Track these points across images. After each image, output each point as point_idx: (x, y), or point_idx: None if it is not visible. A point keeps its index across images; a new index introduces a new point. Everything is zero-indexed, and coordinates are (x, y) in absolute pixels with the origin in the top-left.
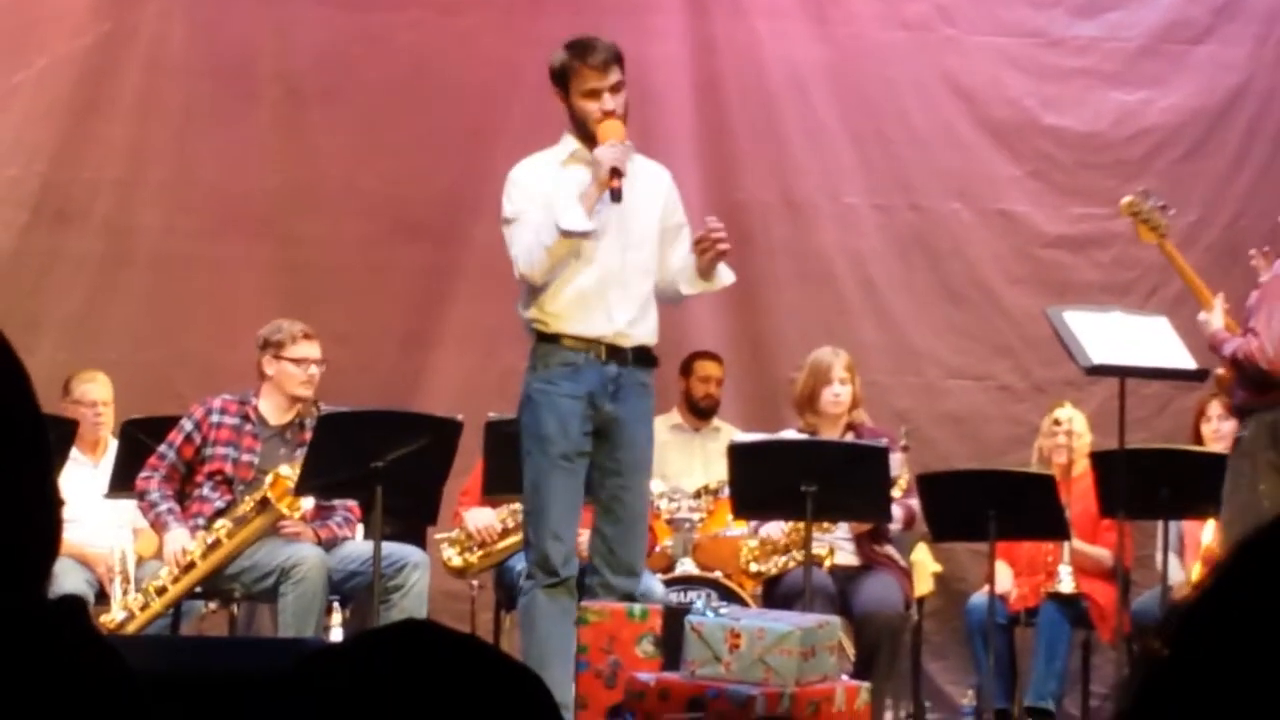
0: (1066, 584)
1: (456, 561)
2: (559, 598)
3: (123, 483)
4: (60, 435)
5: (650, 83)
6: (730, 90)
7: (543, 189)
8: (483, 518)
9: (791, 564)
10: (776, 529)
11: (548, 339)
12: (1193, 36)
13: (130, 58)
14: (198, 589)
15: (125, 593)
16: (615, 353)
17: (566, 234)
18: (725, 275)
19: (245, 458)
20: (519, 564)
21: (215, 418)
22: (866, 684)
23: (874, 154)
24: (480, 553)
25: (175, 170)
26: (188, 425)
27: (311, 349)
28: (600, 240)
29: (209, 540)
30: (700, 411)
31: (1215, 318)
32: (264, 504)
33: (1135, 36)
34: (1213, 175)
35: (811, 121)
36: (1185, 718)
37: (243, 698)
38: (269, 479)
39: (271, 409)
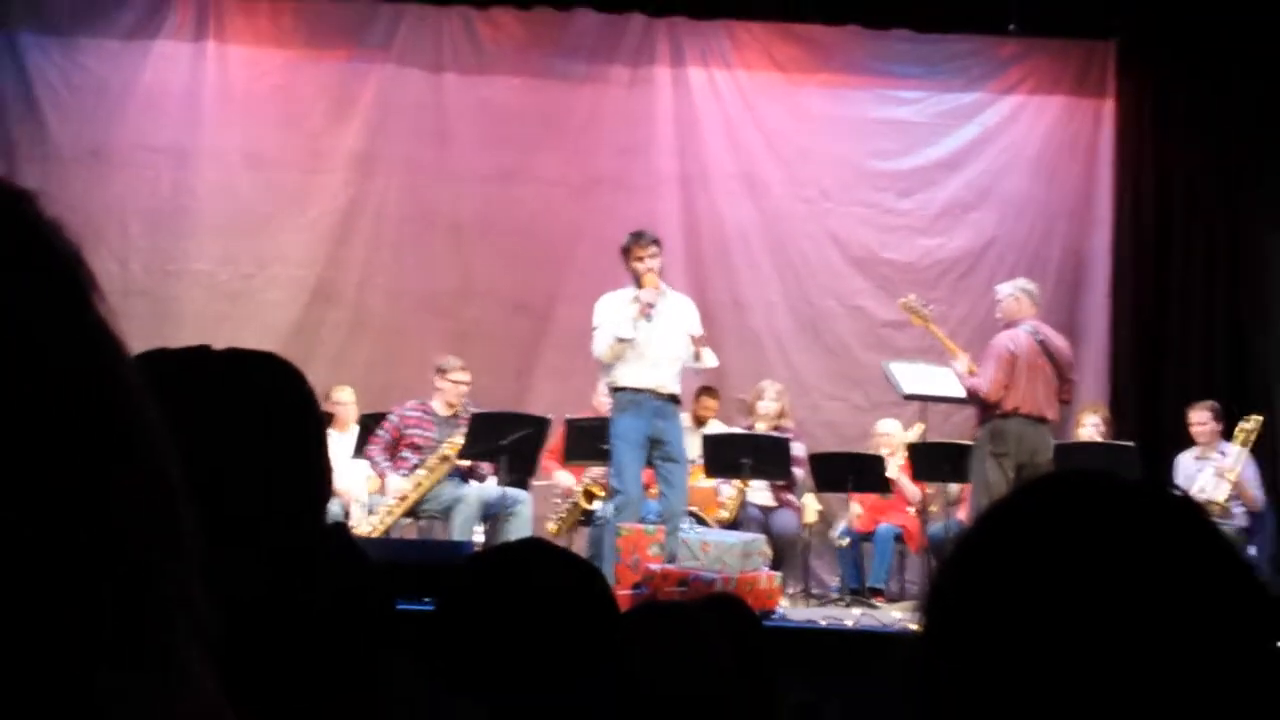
0: (891, 518)
1: (551, 527)
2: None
3: (360, 450)
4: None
5: (662, 234)
6: (703, 236)
7: (612, 312)
8: (561, 478)
9: (735, 505)
10: (727, 485)
11: (618, 389)
12: (965, 208)
13: (366, 209)
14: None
15: (365, 514)
16: (660, 395)
17: (620, 339)
18: (709, 359)
19: (427, 434)
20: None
21: (408, 412)
22: (779, 573)
23: (786, 274)
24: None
25: (392, 276)
26: (394, 417)
27: (463, 375)
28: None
29: (414, 481)
30: (699, 420)
31: (960, 365)
32: (445, 459)
33: (934, 208)
34: (975, 289)
35: (749, 254)
36: (948, 660)
37: (430, 577)
38: (445, 446)
39: (440, 407)
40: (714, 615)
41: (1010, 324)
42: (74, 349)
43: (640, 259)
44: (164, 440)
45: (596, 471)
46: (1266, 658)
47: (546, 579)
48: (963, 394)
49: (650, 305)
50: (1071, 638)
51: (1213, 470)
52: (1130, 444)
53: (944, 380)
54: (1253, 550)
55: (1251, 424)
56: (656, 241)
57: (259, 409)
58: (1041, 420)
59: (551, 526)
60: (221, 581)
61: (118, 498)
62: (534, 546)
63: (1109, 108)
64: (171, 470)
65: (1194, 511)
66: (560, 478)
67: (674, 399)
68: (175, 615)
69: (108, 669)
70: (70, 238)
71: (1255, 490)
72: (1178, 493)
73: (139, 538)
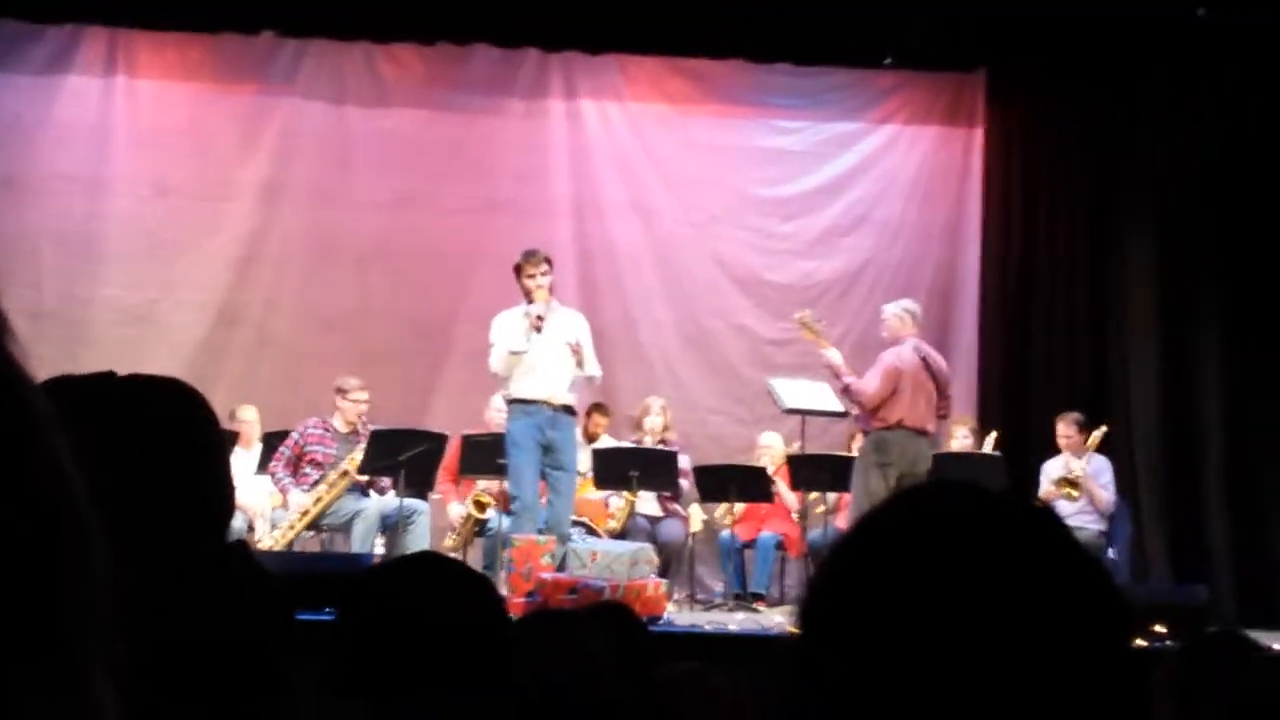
0: (772, 526)
1: (449, 544)
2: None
3: (263, 466)
4: (227, 441)
5: (556, 257)
6: (596, 259)
7: (506, 328)
8: (454, 510)
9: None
10: (616, 497)
11: (512, 400)
12: (843, 232)
13: (271, 235)
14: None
15: (268, 528)
16: (552, 405)
17: (512, 352)
18: (590, 368)
19: (328, 450)
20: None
21: (310, 430)
22: (665, 580)
23: (674, 295)
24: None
25: (295, 299)
26: (295, 435)
27: (362, 394)
28: (535, 350)
29: (314, 497)
30: (590, 436)
31: (835, 356)
32: (345, 475)
33: (813, 232)
34: (852, 308)
35: (639, 276)
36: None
37: (331, 588)
38: (345, 462)
39: (340, 425)
40: (600, 621)
41: (895, 341)
42: None
43: (531, 276)
44: (72, 470)
45: (484, 483)
46: (1119, 658)
47: (439, 591)
48: (839, 408)
49: (540, 318)
50: (935, 636)
51: (1060, 467)
52: (997, 454)
53: (822, 395)
54: (1111, 553)
55: (1099, 432)
56: (548, 260)
57: (156, 433)
58: (923, 433)
59: (449, 541)
60: (119, 603)
61: (30, 531)
62: (427, 560)
63: (979, 135)
64: (80, 499)
65: (1051, 520)
66: (454, 510)
67: (567, 409)
68: (84, 642)
69: (13, 699)
70: None
71: (1103, 491)
72: (1036, 503)
73: (52, 571)
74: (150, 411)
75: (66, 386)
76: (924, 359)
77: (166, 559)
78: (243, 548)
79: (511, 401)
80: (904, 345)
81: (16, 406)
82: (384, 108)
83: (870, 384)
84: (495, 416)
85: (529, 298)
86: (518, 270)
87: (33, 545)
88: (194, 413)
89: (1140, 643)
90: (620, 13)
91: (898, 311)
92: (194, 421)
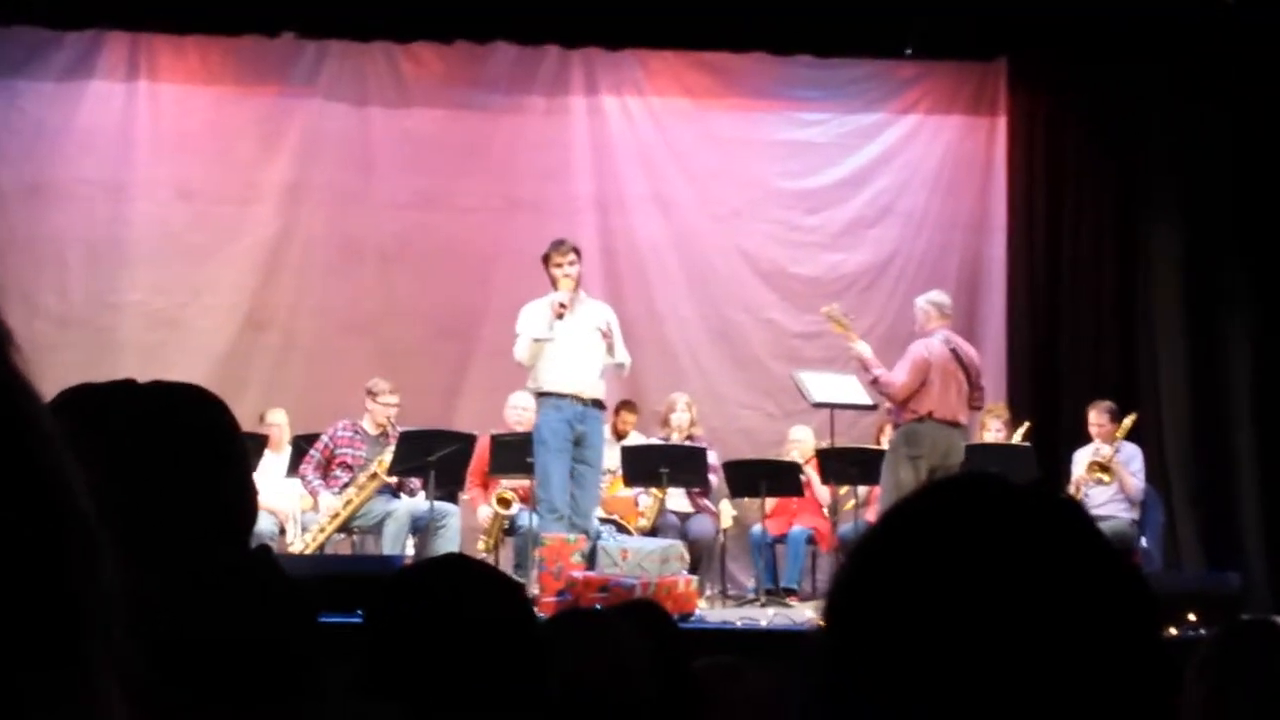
0: (803, 520)
1: (481, 546)
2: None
3: (293, 469)
4: (255, 446)
5: (584, 250)
6: (620, 255)
7: (531, 317)
8: (483, 512)
9: (654, 513)
10: (645, 494)
11: (542, 394)
12: (867, 224)
13: (294, 237)
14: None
15: (299, 531)
16: (582, 399)
17: (536, 340)
18: (621, 355)
19: (358, 453)
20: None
21: (339, 432)
22: (695, 577)
23: (699, 289)
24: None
25: (320, 301)
26: (325, 437)
27: (392, 397)
28: (565, 341)
29: (344, 499)
30: (619, 434)
31: (865, 349)
32: (374, 476)
33: (838, 224)
34: (879, 301)
35: (664, 272)
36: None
37: (362, 590)
38: (375, 464)
39: (370, 427)
40: (632, 620)
41: (924, 333)
42: None
43: (559, 265)
44: (79, 484)
45: (507, 480)
46: (1146, 650)
47: (468, 593)
48: (868, 401)
49: (563, 305)
50: (961, 629)
51: (1092, 455)
52: (1028, 444)
53: (850, 388)
54: (1144, 542)
55: (1129, 419)
56: (575, 250)
57: (176, 440)
58: (954, 424)
59: (481, 545)
60: (137, 611)
61: (33, 541)
62: (455, 562)
63: (1002, 124)
64: (87, 513)
65: (1077, 513)
66: (483, 512)
67: (597, 404)
68: (91, 651)
69: (19, 708)
70: None
71: (1133, 478)
72: (1063, 496)
73: (56, 580)
74: (170, 419)
75: (87, 395)
76: (954, 350)
77: (187, 566)
78: (266, 553)
79: (541, 395)
80: (933, 337)
81: (18, 417)
82: (405, 108)
83: (899, 376)
84: (513, 414)
85: (555, 286)
86: (546, 260)
87: (36, 554)
88: (215, 420)
89: (1172, 631)
90: (640, 7)
91: (923, 304)
92: (215, 429)
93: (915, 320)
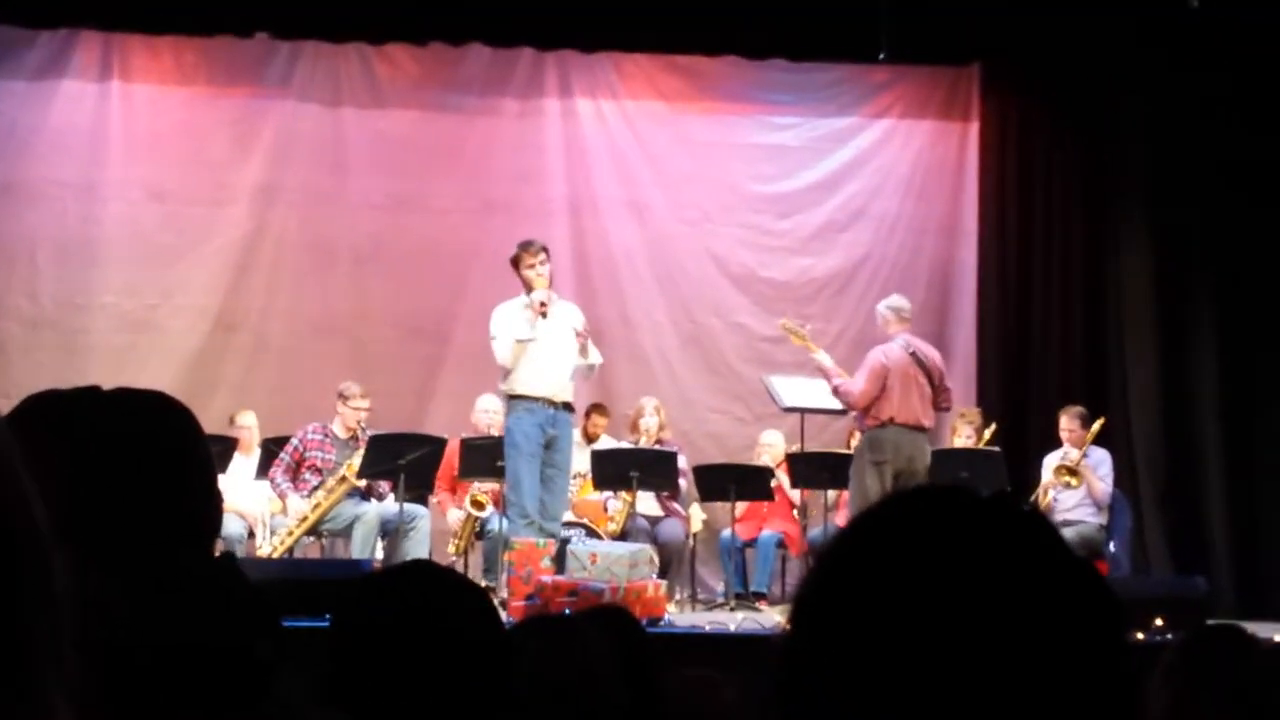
0: (773, 525)
1: (451, 550)
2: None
3: (263, 471)
4: (225, 448)
5: (552, 257)
6: (592, 258)
7: (508, 319)
8: (453, 516)
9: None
10: (615, 499)
11: (514, 396)
12: (839, 228)
13: (266, 238)
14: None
15: (268, 534)
16: (554, 403)
17: (519, 341)
18: (594, 356)
19: (327, 456)
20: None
21: (309, 435)
22: (664, 581)
23: (670, 293)
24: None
25: (292, 302)
26: (295, 440)
27: (363, 401)
28: (539, 344)
29: (313, 503)
30: (590, 437)
31: (825, 359)
32: (343, 480)
33: (809, 228)
34: (849, 305)
35: (636, 275)
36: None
37: (330, 594)
38: (345, 468)
39: (340, 430)
40: (599, 625)
41: (884, 339)
42: None
43: (531, 265)
44: (34, 499)
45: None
46: (1108, 658)
47: (435, 601)
48: (838, 405)
49: (544, 304)
50: (924, 639)
51: (1060, 459)
52: (997, 449)
53: (820, 392)
54: (1112, 546)
55: (1097, 425)
56: (545, 249)
57: (140, 448)
58: (918, 428)
59: (450, 548)
60: (96, 619)
61: None
62: (422, 569)
63: (974, 129)
64: (40, 528)
65: (1041, 523)
66: (452, 515)
67: (567, 407)
68: (41, 665)
69: None
70: None
71: (1100, 482)
72: (1027, 506)
73: (8, 601)
74: (135, 427)
75: (50, 402)
76: (913, 354)
77: (150, 572)
78: (229, 559)
79: (513, 398)
80: (893, 342)
81: None
82: (379, 109)
83: (857, 384)
84: (482, 418)
85: (529, 287)
86: (515, 262)
87: None
88: (179, 427)
89: (1139, 636)
90: (614, 11)
91: (883, 310)
92: (179, 436)
93: (878, 326)
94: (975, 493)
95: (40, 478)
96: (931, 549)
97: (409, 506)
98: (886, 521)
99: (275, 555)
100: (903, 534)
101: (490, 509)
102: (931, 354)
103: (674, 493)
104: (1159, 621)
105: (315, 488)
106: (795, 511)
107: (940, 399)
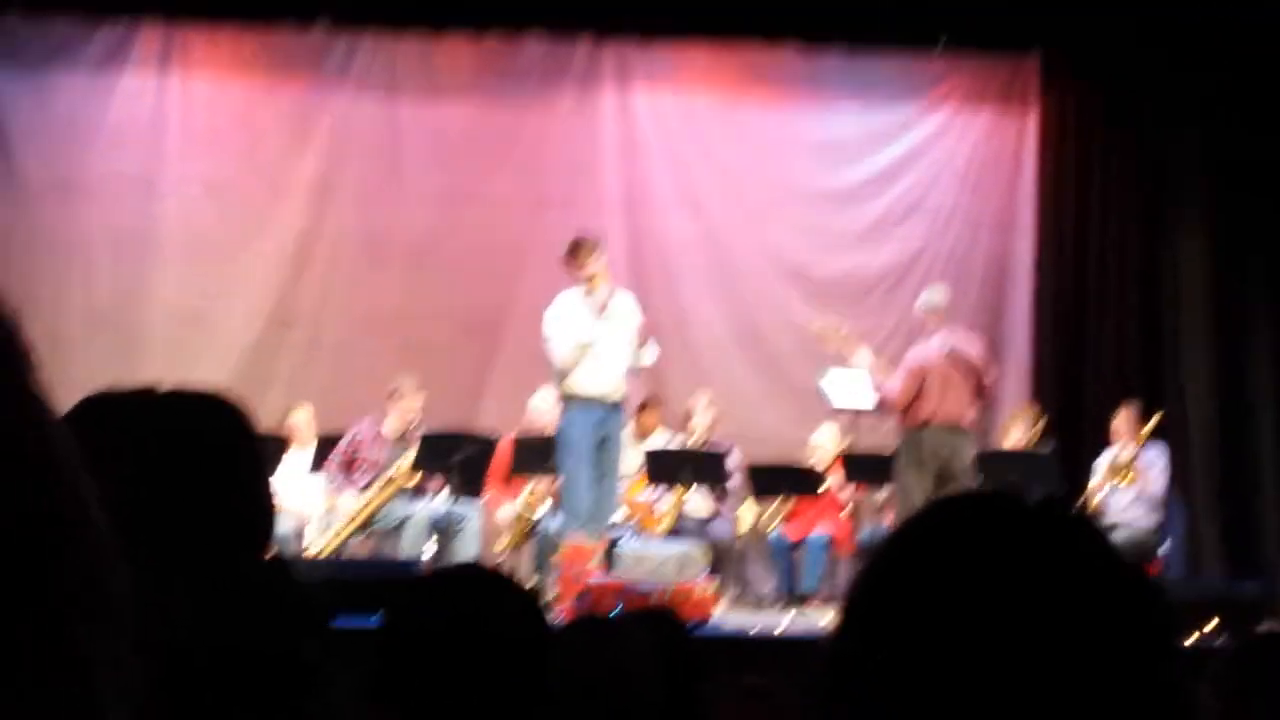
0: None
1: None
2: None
3: (316, 466)
4: (280, 444)
5: (608, 251)
6: (646, 253)
7: (565, 319)
8: (504, 513)
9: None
10: (664, 499)
11: (570, 395)
12: (894, 222)
13: (322, 233)
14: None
15: (320, 531)
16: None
17: (580, 345)
18: (650, 356)
19: (379, 455)
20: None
21: (362, 433)
22: (714, 581)
23: (726, 288)
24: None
25: (347, 298)
26: (347, 439)
27: (417, 399)
28: (598, 342)
29: (364, 501)
30: (643, 434)
31: (865, 359)
32: (393, 480)
33: (864, 222)
34: (904, 300)
35: (691, 270)
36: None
37: (379, 594)
38: (395, 467)
39: (392, 428)
40: (643, 628)
41: (925, 336)
42: (3, 420)
43: (583, 265)
44: (94, 503)
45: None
46: (1157, 666)
47: (484, 608)
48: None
49: (604, 306)
50: (971, 646)
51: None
52: (1048, 450)
53: (871, 393)
54: (1165, 549)
55: (1152, 420)
56: (599, 246)
57: (195, 449)
58: (957, 427)
59: (500, 546)
60: (154, 622)
61: (46, 564)
62: (471, 573)
63: (1033, 120)
64: (101, 533)
65: (1088, 530)
66: (503, 513)
67: (620, 405)
68: (102, 678)
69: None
70: (6, 313)
71: (1154, 480)
72: (1075, 512)
73: (66, 603)
74: (190, 428)
75: (107, 403)
76: (949, 352)
77: (204, 574)
78: (280, 562)
79: (568, 397)
80: (930, 341)
81: (35, 439)
82: (435, 102)
83: (894, 387)
84: (536, 415)
85: (590, 285)
86: (571, 259)
87: (47, 571)
88: (234, 428)
89: (1192, 639)
90: None
91: (919, 308)
92: (234, 437)
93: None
94: (1022, 498)
95: (100, 480)
96: (977, 556)
97: (458, 506)
98: (933, 528)
99: (325, 553)
100: (948, 540)
101: (544, 507)
102: (968, 348)
103: (725, 491)
104: (1213, 625)
105: (367, 485)
106: (842, 514)
107: (984, 390)
